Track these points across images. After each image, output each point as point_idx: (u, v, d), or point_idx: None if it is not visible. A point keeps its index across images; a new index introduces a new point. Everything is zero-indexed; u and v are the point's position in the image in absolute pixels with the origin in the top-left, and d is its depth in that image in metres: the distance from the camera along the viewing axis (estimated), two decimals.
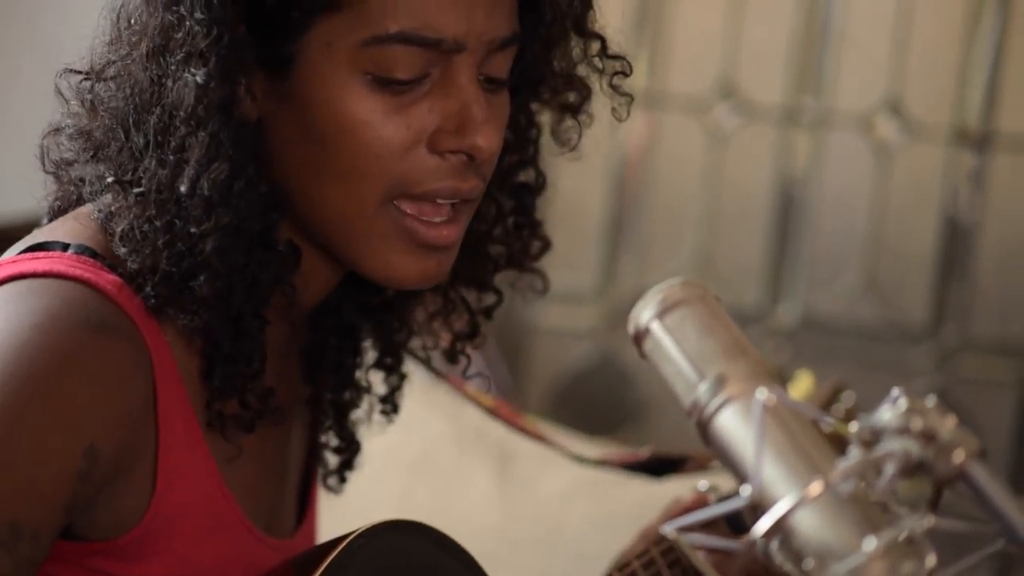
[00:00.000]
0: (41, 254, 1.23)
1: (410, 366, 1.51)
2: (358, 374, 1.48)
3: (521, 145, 1.39)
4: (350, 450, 1.51)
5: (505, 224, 1.41)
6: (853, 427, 0.97)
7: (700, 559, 0.98)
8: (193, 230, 1.21)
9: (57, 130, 1.31)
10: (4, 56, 2.91)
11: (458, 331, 1.45)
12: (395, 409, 1.51)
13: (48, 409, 1.16)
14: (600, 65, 1.37)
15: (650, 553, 1.46)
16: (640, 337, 1.06)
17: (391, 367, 1.49)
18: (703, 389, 1.01)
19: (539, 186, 1.42)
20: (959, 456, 0.96)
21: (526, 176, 1.41)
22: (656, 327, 1.05)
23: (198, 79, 1.20)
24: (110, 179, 1.24)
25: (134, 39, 1.24)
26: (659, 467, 1.67)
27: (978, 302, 3.53)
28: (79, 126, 1.29)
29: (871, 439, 0.97)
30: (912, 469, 0.96)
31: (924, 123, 3.49)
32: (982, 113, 3.48)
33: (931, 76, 3.52)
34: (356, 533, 1.30)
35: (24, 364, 1.15)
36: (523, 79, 1.34)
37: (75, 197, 1.31)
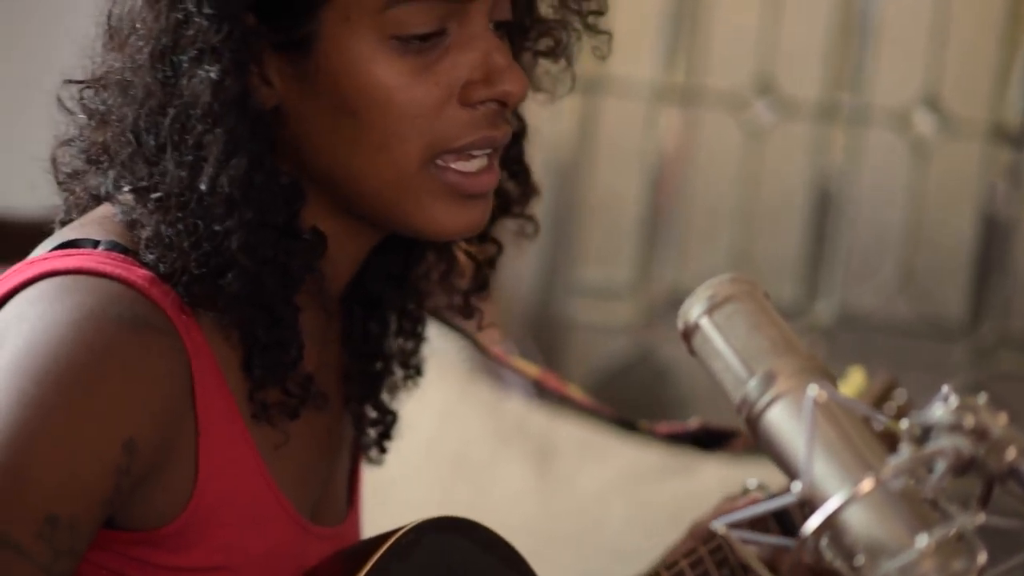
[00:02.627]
0: (72, 251, 1.24)
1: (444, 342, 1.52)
2: (388, 343, 1.49)
3: None
4: (386, 421, 1.50)
5: None
6: (904, 424, 0.97)
7: (751, 555, 0.98)
8: (217, 228, 1.22)
9: (67, 142, 1.31)
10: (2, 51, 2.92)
11: (468, 287, 1.46)
12: (418, 372, 1.51)
13: (87, 404, 1.16)
14: (576, 6, 1.38)
15: (698, 552, 1.43)
16: (689, 333, 1.06)
17: (409, 332, 1.50)
18: (752, 385, 1.01)
19: (521, 131, 1.42)
20: (1011, 454, 0.96)
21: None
22: (705, 323, 1.05)
23: (212, 75, 1.21)
24: (127, 188, 1.25)
25: (139, 43, 1.24)
26: (707, 439, 1.66)
27: (1016, 298, 3.51)
28: (87, 136, 1.29)
29: (921, 436, 0.97)
30: (963, 466, 0.96)
31: (962, 119, 3.48)
32: (1020, 109, 3.46)
33: (969, 72, 3.50)
34: (405, 529, 1.30)
35: (62, 360, 1.16)
36: (509, 28, 1.34)
37: (87, 204, 1.30)
